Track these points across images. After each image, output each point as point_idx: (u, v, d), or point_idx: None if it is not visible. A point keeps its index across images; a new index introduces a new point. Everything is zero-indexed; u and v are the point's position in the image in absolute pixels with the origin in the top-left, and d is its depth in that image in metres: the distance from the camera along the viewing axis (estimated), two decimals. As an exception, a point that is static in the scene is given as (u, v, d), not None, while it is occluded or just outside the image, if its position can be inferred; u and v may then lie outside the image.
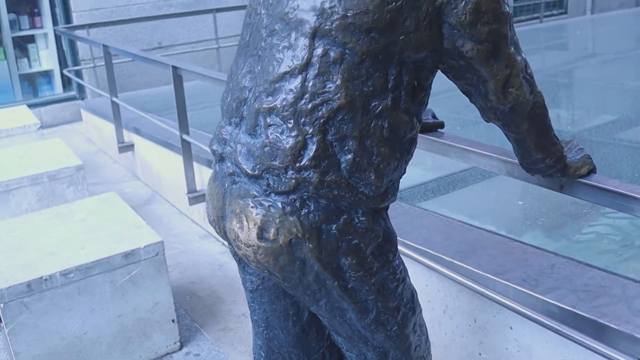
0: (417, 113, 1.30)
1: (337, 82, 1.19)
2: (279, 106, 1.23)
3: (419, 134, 1.82)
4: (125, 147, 4.96)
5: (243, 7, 7.26)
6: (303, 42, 1.21)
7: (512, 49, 1.25)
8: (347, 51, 1.19)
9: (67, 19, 6.85)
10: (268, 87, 1.25)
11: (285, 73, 1.23)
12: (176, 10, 7.17)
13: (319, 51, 1.20)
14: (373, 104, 1.21)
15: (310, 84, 1.20)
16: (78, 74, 6.93)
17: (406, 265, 1.43)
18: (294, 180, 1.22)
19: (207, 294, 3.18)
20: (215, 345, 2.75)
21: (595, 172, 1.50)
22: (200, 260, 3.56)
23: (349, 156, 1.21)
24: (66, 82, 7.22)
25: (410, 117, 1.27)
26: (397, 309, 1.38)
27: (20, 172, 3.56)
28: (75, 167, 3.64)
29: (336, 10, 1.19)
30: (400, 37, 1.19)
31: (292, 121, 1.22)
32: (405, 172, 1.37)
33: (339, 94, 1.19)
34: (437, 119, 1.90)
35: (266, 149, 1.24)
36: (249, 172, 1.27)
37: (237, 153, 1.30)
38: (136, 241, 2.58)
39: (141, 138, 4.73)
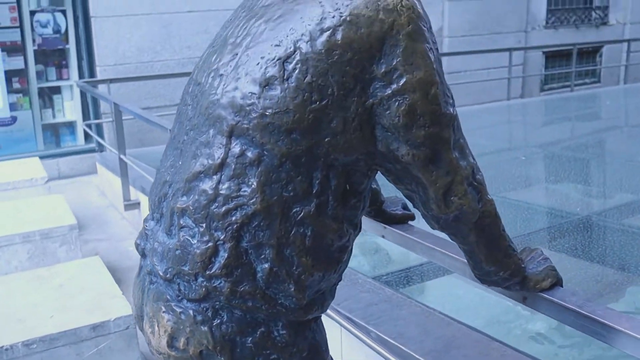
0: (352, 218, 1.19)
1: (253, 186, 1.09)
2: (191, 208, 1.13)
3: (390, 226, 1.73)
4: (131, 205, 4.93)
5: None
6: (220, 140, 1.12)
7: (456, 154, 1.14)
8: (265, 152, 1.09)
9: (92, 72, 6.96)
10: (183, 186, 1.15)
11: (200, 172, 1.13)
12: (200, 68, 7.23)
13: (235, 151, 1.10)
14: (294, 210, 1.10)
15: (224, 187, 1.10)
16: (99, 127, 7.00)
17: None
18: (204, 289, 1.12)
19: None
20: None
21: (562, 285, 1.36)
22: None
23: (266, 265, 1.11)
24: (87, 134, 7.30)
25: (340, 224, 1.15)
26: None
27: (13, 229, 3.52)
28: (69, 226, 3.60)
29: (254, 108, 1.09)
30: (326, 139, 1.09)
31: (203, 225, 1.12)
32: (340, 279, 1.26)
33: (254, 199, 1.09)
34: (408, 210, 1.79)
35: (177, 252, 1.14)
36: (161, 274, 1.17)
37: (154, 252, 1.21)
38: (107, 312, 2.49)
39: (146, 197, 4.70)
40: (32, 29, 6.86)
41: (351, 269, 2.86)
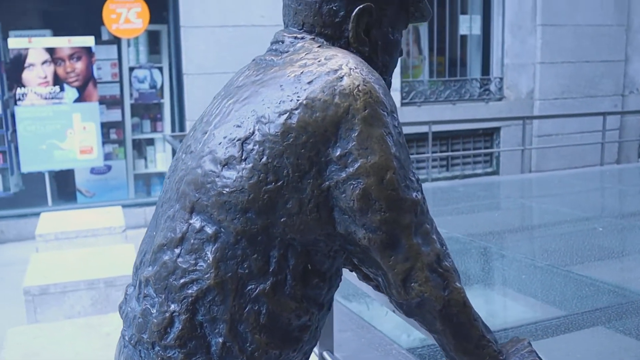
0: (315, 298, 1.18)
1: (209, 261, 1.11)
2: (153, 278, 1.17)
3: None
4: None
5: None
6: (182, 215, 1.16)
7: (418, 239, 1.11)
8: (222, 230, 1.11)
9: (182, 126, 7.29)
10: (150, 257, 1.20)
11: (163, 245, 1.17)
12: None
13: (195, 226, 1.14)
14: (249, 287, 1.11)
15: (183, 260, 1.14)
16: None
17: None
18: (159, 358, 1.15)
19: None
20: None
21: None
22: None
23: (220, 340, 1.12)
24: (176, 184, 7.60)
25: (299, 303, 1.15)
26: None
27: (80, 275, 3.69)
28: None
29: (213, 186, 1.12)
30: (282, 219, 1.10)
31: (162, 296, 1.15)
32: (307, 356, 1.24)
33: (209, 274, 1.11)
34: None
35: (140, 319, 1.18)
36: (127, 339, 1.21)
37: (126, 317, 1.25)
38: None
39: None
40: (130, 84, 7.30)
41: (386, 336, 2.80)
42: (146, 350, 1.16)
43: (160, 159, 7.60)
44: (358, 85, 1.10)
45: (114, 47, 7.28)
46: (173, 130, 7.38)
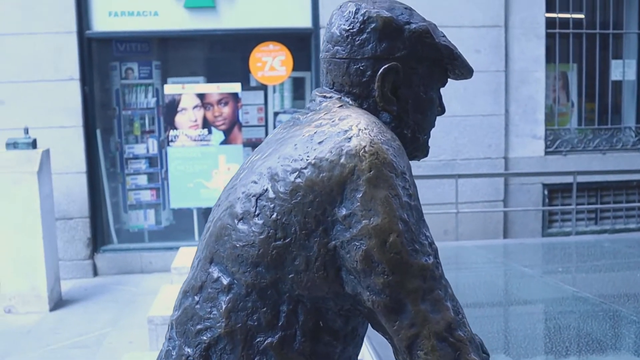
0: (326, 355, 1.17)
1: (221, 310, 1.16)
2: (176, 322, 1.24)
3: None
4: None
5: (483, 175, 7.19)
6: (203, 264, 1.22)
7: (426, 306, 1.07)
8: (235, 281, 1.15)
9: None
10: (177, 302, 1.26)
11: (187, 292, 1.23)
12: (423, 171, 7.35)
13: (213, 276, 1.19)
14: (257, 339, 1.14)
15: (200, 307, 1.19)
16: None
17: None
18: None
19: None
20: None
21: None
22: None
23: None
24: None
25: (309, 359, 1.14)
26: None
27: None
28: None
29: (229, 239, 1.17)
30: (290, 276, 1.12)
31: (181, 340, 1.21)
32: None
33: (220, 323, 1.16)
34: (483, 351, 1.65)
35: (165, 359, 1.24)
36: None
37: (158, 355, 1.31)
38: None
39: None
40: (274, 128, 7.62)
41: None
42: None
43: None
44: (364, 146, 1.09)
45: (261, 93, 7.67)
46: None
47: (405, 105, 1.26)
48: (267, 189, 1.14)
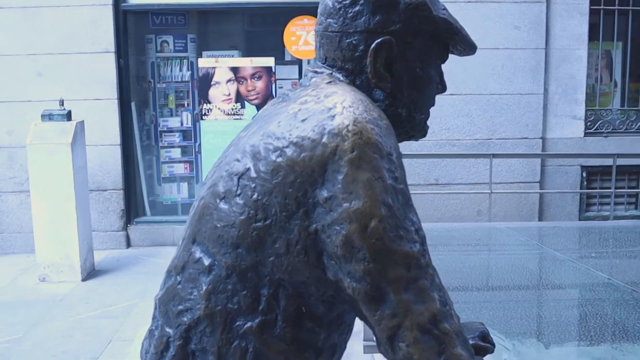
0: (310, 342, 1.14)
1: (202, 292, 1.13)
2: (159, 302, 1.22)
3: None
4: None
5: (519, 155, 7.03)
6: (186, 244, 1.19)
7: (409, 295, 1.02)
8: (215, 262, 1.12)
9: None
10: (162, 281, 1.23)
11: (170, 271, 1.21)
12: (458, 150, 7.23)
13: (195, 256, 1.16)
14: (237, 323, 1.11)
15: (181, 288, 1.17)
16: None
17: None
18: None
19: None
20: None
21: None
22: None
23: None
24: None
25: (290, 346, 1.12)
26: None
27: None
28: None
29: (210, 218, 1.13)
30: (270, 259, 1.08)
31: (163, 319, 1.19)
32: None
33: (200, 304, 1.13)
34: (486, 341, 1.59)
35: (146, 340, 1.26)
36: (142, 355, 1.25)
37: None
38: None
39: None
40: (307, 103, 7.57)
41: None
42: None
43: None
44: (347, 125, 1.04)
45: (295, 67, 7.60)
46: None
47: (399, 82, 1.20)
48: (249, 168, 1.10)
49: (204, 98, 6.95)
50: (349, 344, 1.29)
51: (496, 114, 7.16)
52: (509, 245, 5.70)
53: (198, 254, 1.15)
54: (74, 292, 5.49)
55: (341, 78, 1.19)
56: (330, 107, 1.08)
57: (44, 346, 4.34)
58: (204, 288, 1.12)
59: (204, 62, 7.01)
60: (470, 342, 1.57)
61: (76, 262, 5.79)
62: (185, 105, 7.70)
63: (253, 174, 1.09)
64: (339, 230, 1.02)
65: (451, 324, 1.04)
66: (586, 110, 7.30)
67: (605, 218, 7.27)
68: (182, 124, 7.65)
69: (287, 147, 1.07)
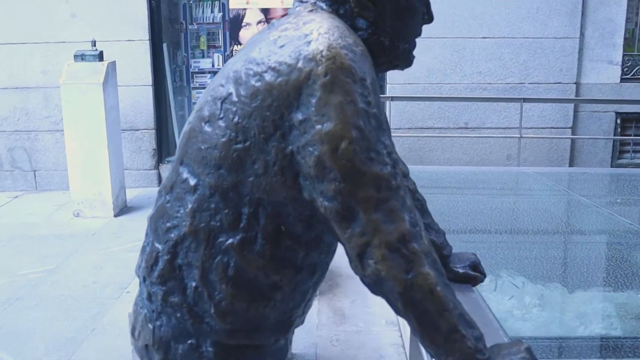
0: (288, 260, 1.20)
1: (187, 210, 1.19)
2: (150, 220, 1.28)
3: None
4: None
5: (550, 100, 6.92)
6: (175, 165, 1.25)
7: (379, 215, 1.07)
8: (200, 182, 1.18)
9: (382, 89, 7.35)
10: (155, 199, 1.30)
11: (160, 191, 1.27)
12: (489, 94, 7.14)
13: (182, 177, 1.22)
14: (219, 240, 1.18)
15: (170, 206, 1.23)
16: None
17: None
18: (147, 292, 1.26)
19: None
20: None
21: None
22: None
23: (193, 284, 1.22)
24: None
25: (268, 262, 1.18)
26: None
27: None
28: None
29: (195, 141, 1.19)
30: (249, 179, 1.14)
31: (153, 236, 1.25)
32: (290, 319, 1.27)
33: (185, 222, 1.20)
34: (477, 271, 1.64)
35: (140, 257, 1.30)
36: (136, 270, 1.33)
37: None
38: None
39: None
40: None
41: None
42: (142, 282, 1.31)
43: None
44: (322, 51, 1.08)
45: (326, 9, 7.53)
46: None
47: (382, 11, 1.22)
48: (231, 93, 1.15)
49: (235, 39, 6.97)
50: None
51: (529, 58, 7.03)
52: (535, 189, 5.68)
53: (185, 174, 1.21)
54: (106, 227, 5.68)
55: (324, 7, 1.22)
56: (307, 33, 1.11)
57: (75, 277, 4.54)
58: (189, 206, 1.19)
59: (235, 4, 6.99)
60: (461, 271, 1.63)
61: (108, 198, 5.97)
62: (217, 46, 7.72)
63: (234, 98, 1.13)
64: (312, 151, 1.07)
65: (420, 244, 1.08)
66: (623, 56, 7.11)
67: (638, 166, 7.16)
68: (213, 65, 7.68)
69: (265, 72, 1.11)
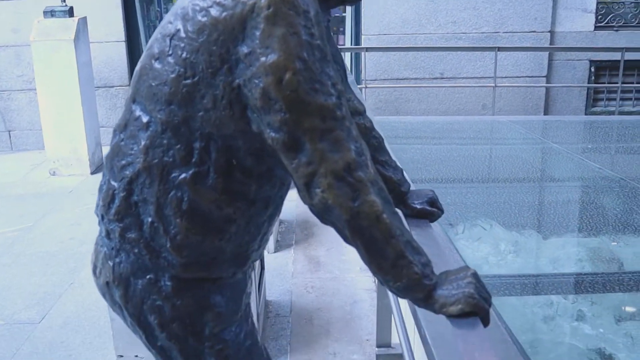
0: (241, 193, 1.22)
1: (140, 147, 1.21)
2: (106, 159, 1.30)
3: (407, 220, 1.66)
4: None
5: (525, 49, 6.94)
6: (128, 103, 1.27)
7: (324, 144, 1.09)
8: (152, 119, 1.20)
9: (358, 40, 7.33)
10: (111, 139, 1.32)
11: (115, 130, 1.29)
12: (464, 44, 7.14)
13: (135, 115, 1.24)
14: (173, 175, 1.20)
15: (124, 144, 1.25)
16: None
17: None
18: (105, 229, 1.29)
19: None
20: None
21: (485, 317, 1.17)
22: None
23: (149, 219, 1.24)
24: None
25: (220, 195, 1.21)
26: None
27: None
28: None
29: (146, 78, 1.21)
30: (199, 114, 1.16)
31: (109, 174, 1.27)
32: (247, 254, 1.30)
33: (139, 158, 1.22)
34: (435, 207, 1.68)
35: (97, 195, 1.32)
36: (95, 210, 1.35)
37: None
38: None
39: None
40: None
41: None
42: (100, 220, 1.33)
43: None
44: None
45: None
46: (351, 44, 7.47)
47: None
48: (179, 29, 1.16)
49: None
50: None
51: (504, 7, 7.02)
52: (509, 138, 5.74)
53: (137, 112, 1.23)
54: (82, 185, 5.68)
55: None
56: None
57: (52, 234, 4.56)
58: (143, 143, 1.21)
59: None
60: (418, 207, 1.66)
61: (84, 156, 5.95)
62: (190, 0, 7.60)
63: (182, 34, 1.15)
64: (257, 83, 1.09)
65: (366, 173, 1.11)
66: (597, 3, 7.13)
67: (612, 114, 7.24)
68: (186, 20, 7.59)
69: (211, 7, 1.12)
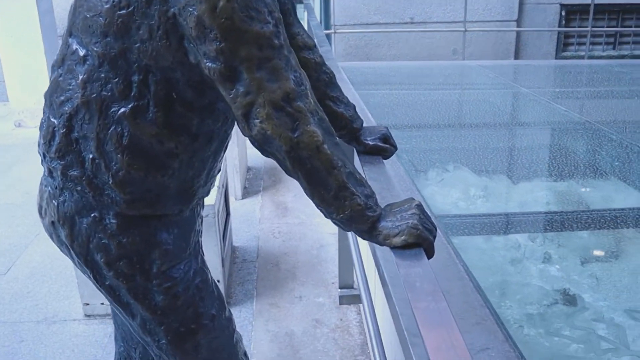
0: (183, 126, 1.20)
1: (78, 82, 1.19)
2: (45, 96, 1.27)
3: (360, 156, 1.65)
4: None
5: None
6: (64, 38, 1.24)
7: (262, 74, 1.07)
8: (89, 53, 1.17)
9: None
10: (49, 75, 1.29)
11: (53, 65, 1.26)
12: (434, -12, 7.06)
13: (72, 49, 1.21)
14: (112, 109, 1.18)
15: (62, 80, 1.22)
16: (328, 37, 7.26)
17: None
18: (47, 168, 1.26)
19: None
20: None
21: (429, 248, 1.16)
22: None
23: (90, 156, 1.22)
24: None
25: (161, 129, 1.19)
26: (165, 323, 1.32)
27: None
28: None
29: (82, 10, 1.18)
30: (136, 45, 1.13)
31: (49, 111, 1.25)
32: (193, 190, 1.29)
33: (77, 93, 1.19)
34: (387, 143, 1.67)
35: (40, 132, 1.30)
36: (38, 149, 1.33)
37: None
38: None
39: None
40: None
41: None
42: (42, 159, 1.31)
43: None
44: None
45: None
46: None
47: None
48: None
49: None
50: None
51: (474, -50, 6.93)
52: (478, 83, 5.74)
53: (74, 45, 1.20)
54: (48, 136, 5.58)
55: None
56: None
57: (17, 185, 4.50)
58: (80, 77, 1.18)
59: None
60: (371, 143, 1.65)
61: (50, 107, 5.84)
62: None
63: None
64: (192, 11, 1.06)
65: (305, 103, 1.10)
66: (567, -56, 7.06)
67: (582, 58, 7.25)
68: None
69: None
